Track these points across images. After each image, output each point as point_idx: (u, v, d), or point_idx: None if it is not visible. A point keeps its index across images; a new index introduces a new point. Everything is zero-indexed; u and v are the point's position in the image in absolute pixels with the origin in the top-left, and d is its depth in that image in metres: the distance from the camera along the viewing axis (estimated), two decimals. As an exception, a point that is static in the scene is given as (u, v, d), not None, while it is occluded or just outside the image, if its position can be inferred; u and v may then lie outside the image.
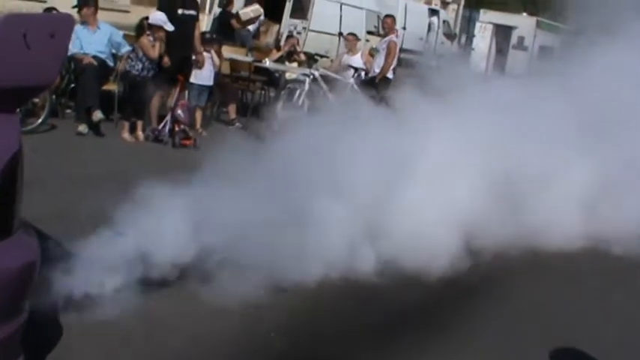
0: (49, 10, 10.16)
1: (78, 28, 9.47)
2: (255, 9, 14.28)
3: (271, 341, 4.29)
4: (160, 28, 9.14)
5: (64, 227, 4.45)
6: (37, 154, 7.67)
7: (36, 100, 8.85)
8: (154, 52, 9.20)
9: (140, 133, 9.45)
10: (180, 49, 9.42)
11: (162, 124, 9.55)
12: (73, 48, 9.41)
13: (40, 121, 8.82)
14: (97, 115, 9.04)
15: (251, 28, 13.84)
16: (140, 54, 9.30)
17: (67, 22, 3.02)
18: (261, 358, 4.11)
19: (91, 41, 9.58)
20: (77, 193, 6.27)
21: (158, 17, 9.24)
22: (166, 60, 9.26)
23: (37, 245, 2.95)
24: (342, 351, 4.30)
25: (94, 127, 9.20)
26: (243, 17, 13.93)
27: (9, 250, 2.70)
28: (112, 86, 9.78)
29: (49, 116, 9.02)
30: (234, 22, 13.94)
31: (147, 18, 9.68)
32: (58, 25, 2.87)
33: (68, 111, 9.87)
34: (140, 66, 9.30)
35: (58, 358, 3.71)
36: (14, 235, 2.74)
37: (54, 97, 9.42)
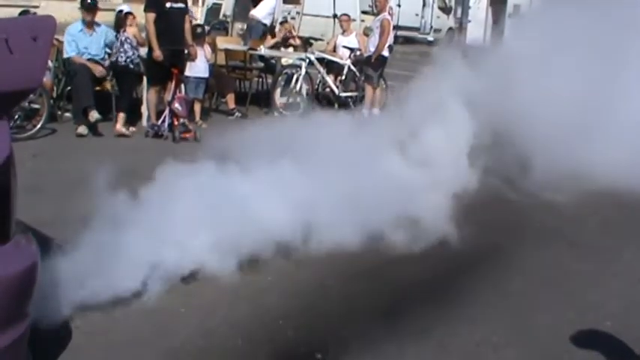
0: (25, 12, 10.22)
1: (75, 31, 9.54)
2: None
3: (280, 328, 4.29)
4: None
5: (74, 229, 4.44)
6: (38, 159, 7.75)
7: (35, 105, 8.91)
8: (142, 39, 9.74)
9: (134, 129, 9.53)
10: (171, 42, 9.39)
11: (161, 119, 9.54)
12: (70, 51, 9.53)
13: (39, 125, 8.85)
14: (94, 115, 9.06)
15: (267, 21, 13.65)
16: (126, 46, 9.56)
17: (48, 25, 2.99)
18: (272, 346, 4.11)
19: (87, 44, 9.63)
20: (81, 194, 6.27)
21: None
22: (157, 54, 9.24)
23: (37, 249, 2.95)
24: (353, 334, 4.29)
25: (93, 128, 9.20)
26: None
27: (7, 255, 2.70)
28: (107, 86, 9.79)
29: (48, 120, 9.04)
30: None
31: (120, 11, 10.14)
32: (40, 28, 2.85)
33: (67, 114, 9.88)
34: (124, 57, 9.56)
35: None
36: (12, 240, 2.74)
37: (52, 101, 9.45)
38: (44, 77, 8.62)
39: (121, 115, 9.45)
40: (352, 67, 12.25)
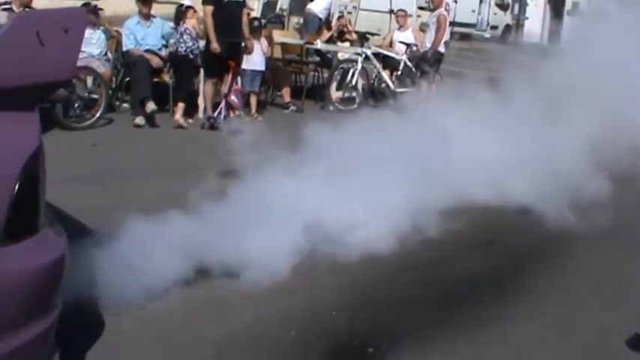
0: (86, 5, 10.43)
1: (132, 24, 9.71)
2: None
3: (333, 319, 4.29)
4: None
5: (130, 217, 4.49)
6: (96, 148, 7.88)
7: (94, 95, 9.07)
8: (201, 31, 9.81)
9: (190, 120, 9.60)
10: (228, 35, 9.44)
11: (217, 111, 9.61)
12: (128, 44, 9.72)
13: (97, 115, 9.00)
14: (150, 106, 9.19)
15: (323, 15, 13.61)
16: (185, 36, 9.61)
17: (80, 17, 2.98)
18: (324, 337, 4.10)
19: (144, 36, 9.79)
20: (137, 183, 6.36)
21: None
22: (215, 46, 9.30)
23: (65, 241, 2.94)
24: (405, 326, 4.26)
25: (150, 119, 9.32)
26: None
27: (35, 247, 2.70)
28: (165, 77, 9.90)
29: (106, 110, 9.20)
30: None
31: (181, 5, 10.36)
32: (71, 20, 2.83)
33: (125, 105, 10.02)
34: (184, 47, 9.59)
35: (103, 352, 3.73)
36: (40, 233, 2.74)
37: (110, 91, 9.60)
38: (95, 67, 8.93)
39: (180, 106, 9.54)
40: (408, 63, 12.16)
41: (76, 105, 8.94)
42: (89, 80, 9.31)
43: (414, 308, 4.53)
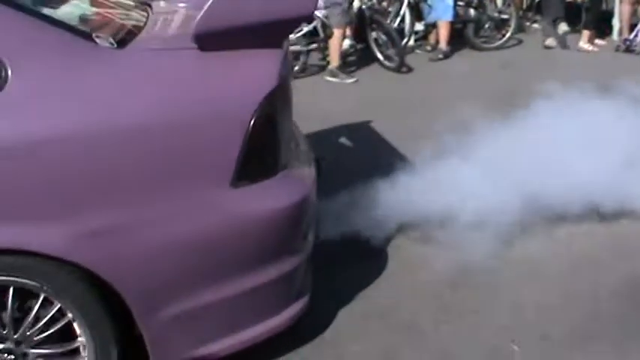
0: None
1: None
2: None
3: None
4: None
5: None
6: (506, 71, 7.88)
7: (504, 15, 9.05)
8: None
9: (598, 42, 9.06)
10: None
11: (633, 33, 8.97)
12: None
13: (508, 35, 8.99)
14: (562, 27, 8.93)
15: None
16: None
17: None
18: None
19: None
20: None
21: None
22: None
23: (310, 185, 2.88)
24: None
25: (561, 40, 9.03)
26: None
27: (271, 190, 2.63)
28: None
29: (516, 31, 9.13)
30: None
31: None
32: None
33: (535, 25, 9.84)
34: None
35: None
36: (279, 174, 2.66)
37: (521, 12, 9.49)
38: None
39: (586, 33, 9.06)
40: None
41: (487, 25, 9.02)
42: (499, 1, 9.30)
43: None
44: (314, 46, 7.81)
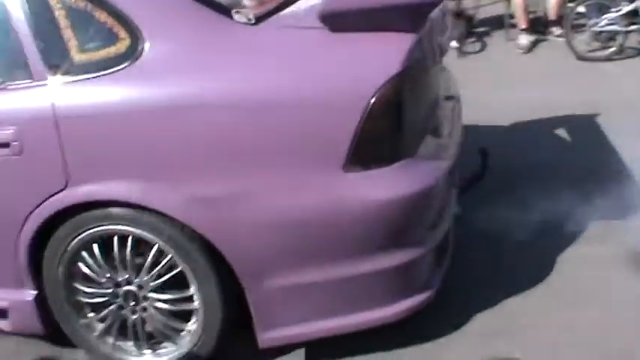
0: None
1: None
2: None
3: None
4: None
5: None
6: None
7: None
8: None
9: None
10: None
11: None
12: None
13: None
14: None
15: None
16: None
17: None
18: None
19: None
20: None
21: None
22: None
23: (435, 175, 2.69)
24: None
25: None
26: None
27: (390, 176, 2.53)
28: None
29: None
30: None
31: None
32: None
33: None
34: None
35: None
36: (397, 164, 2.54)
37: None
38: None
39: None
40: None
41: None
42: None
43: None
44: (634, 27, 7.12)
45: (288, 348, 2.89)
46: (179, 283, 2.70)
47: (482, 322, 3.03)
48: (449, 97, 3.41)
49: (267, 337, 2.71)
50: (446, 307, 2.99)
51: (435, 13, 2.85)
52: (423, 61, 2.69)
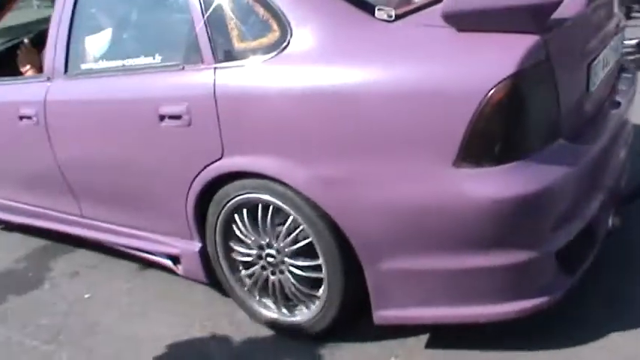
0: None
1: None
2: None
3: None
4: None
5: None
6: None
7: None
8: None
9: None
10: None
11: None
12: None
13: None
14: None
15: None
16: None
17: None
18: None
19: None
20: None
21: None
22: None
23: (557, 175, 2.62)
24: None
25: None
26: None
27: (497, 178, 2.55)
28: None
29: None
30: None
31: None
32: None
33: None
34: None
35: None
36: (510, 164, 2.55)
37: None
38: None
39: None
40: None
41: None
42: None
43: None
44: None
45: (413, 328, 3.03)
46: (312, 251, 2.99)
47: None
48: (616, 100, 3.28)
49: (381, 314, 2.89)
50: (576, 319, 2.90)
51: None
52: (547, 63, 2.62)
